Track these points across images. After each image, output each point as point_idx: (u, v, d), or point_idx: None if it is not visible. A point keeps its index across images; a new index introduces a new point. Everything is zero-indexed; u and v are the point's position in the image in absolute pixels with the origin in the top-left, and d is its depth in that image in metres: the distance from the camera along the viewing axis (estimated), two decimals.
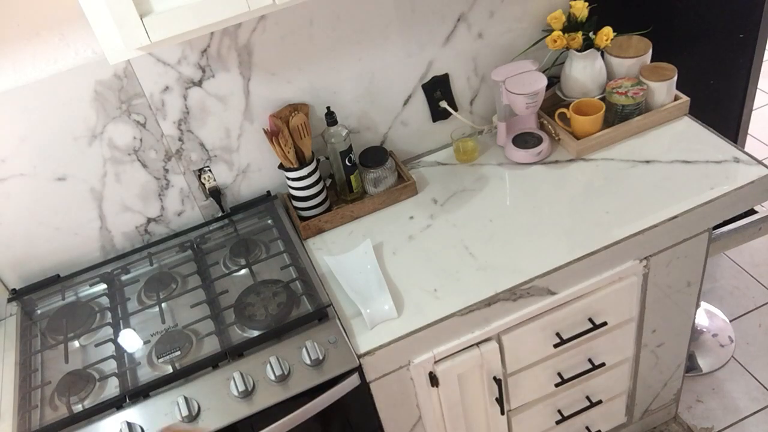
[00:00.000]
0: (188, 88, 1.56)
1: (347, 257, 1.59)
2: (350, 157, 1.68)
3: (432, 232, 1.63)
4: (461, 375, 1.54)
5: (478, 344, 1.51)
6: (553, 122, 1.80)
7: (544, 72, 1.78)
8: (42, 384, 1.46)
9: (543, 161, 1.76)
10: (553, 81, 1.88)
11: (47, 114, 1.47)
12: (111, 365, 1.46)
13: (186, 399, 1.33)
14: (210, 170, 1.70)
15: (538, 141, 1.76)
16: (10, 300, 1.64)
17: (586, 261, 1.49)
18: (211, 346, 1.45)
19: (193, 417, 1.31)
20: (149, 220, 1.71)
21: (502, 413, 1.68)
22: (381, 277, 1.50)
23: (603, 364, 1.73)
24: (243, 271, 1.62)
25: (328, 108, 1.65)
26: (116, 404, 1.36)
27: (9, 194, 1.54)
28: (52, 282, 1.66)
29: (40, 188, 1.56)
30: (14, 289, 1.66)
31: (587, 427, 1.93)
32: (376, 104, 1.76)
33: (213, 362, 1.39)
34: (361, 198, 1.73)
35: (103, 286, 1.67)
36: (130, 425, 1.30)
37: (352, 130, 1.78)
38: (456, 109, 1.84)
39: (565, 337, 1.60)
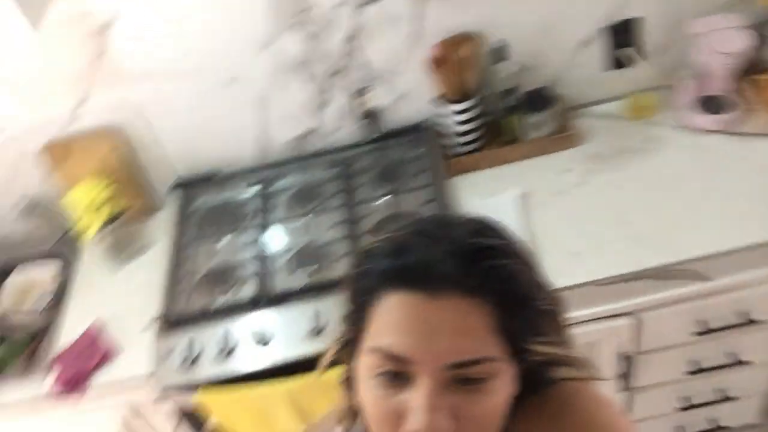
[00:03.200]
0: (363, 4, 1.52)
1: (491, 202, 1.53)
2: (513, 96, 1.59)
3: (586, 189, 1.53)
4: (587, 344, 1.47)
5: (612, 317, 1.42)
6: (752, 89, 1.58)
7: (750, 30, 1.55)
8: (190, 272, 1.58)
9: (729, 131, 1.56)
10: (761, 41, 1.64)
11: (225, 17, 1.51)
12: (253, 267, 1.55)
13: (316, 312, 1.38)
14: (371, 91, 1.68)
15: (729, 107, 1.57)
16: (173, 188, 1.77)
17: (757, 251, 1.34)
18: (346, 267, 1.48)
19: (318, 332, 1.36)
20: (306, 133, 1.74)
21: (625, 390, 1.60)
22: (523, 228, 1.44)
23: (746, 362, 1.58)
24: (386, 198, 1.62)
25: (500, 42, 1.55)
26: (251, 305, 1.44)
27: (186, 89, 1.62)
28: (212, 178, 1.76)
29: (212, 88, 1.63)
30: (179, 179, 1.78)
31: (714, 420, 1.80)
32: (550, 43, 1.63)
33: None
34: (516, 142, 1.65)
35: (255, 190, 1.74)
36: (263, 328, 1.39)
37: (520, 68, 1.67)
38: (640, 59, 1.66)
39: (711, 327, 1.47)
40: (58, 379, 1.43)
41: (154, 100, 1.64)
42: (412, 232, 0.65)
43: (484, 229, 0.65)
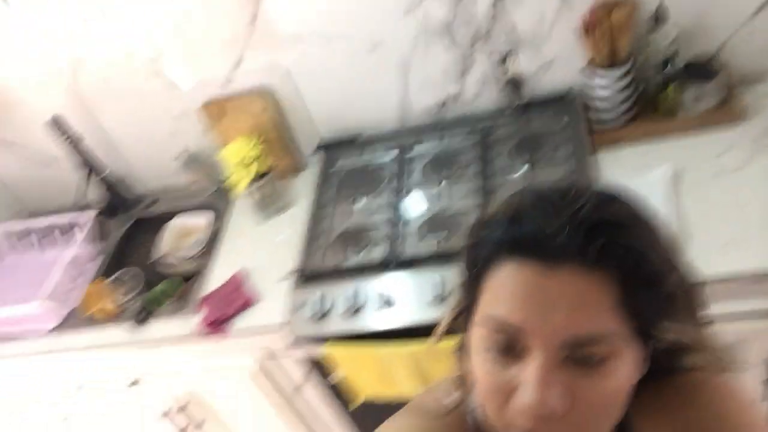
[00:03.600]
0: None
1: (638, 180, 1.43)
2: (672, 64, 1.47)
3: (748, 173, 1.38)
4: (731, 345, 1.34)
5: (763, 316, 1.29)
6: None
7: None
8: (326, 231, 1.64)
9: None
10: None
11: None
12: (386, 230, 1.58)
13: (443, 280, 1.39)
14: (515, 57, 1.63)
15: None
16: (317, 149, 1.84)
17: None
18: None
19: (442, 299, 1.37)
20: (446, 99, 1.73)
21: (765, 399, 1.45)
22: (673, 210, 1.34)
23: None
24: (524, 170, 1.58)
25: (660, 3, 1.43)
26: (381, 267, 1.48)
27: (332, 52, 1.67)
28: (353, 141, 1.81)
29: (357, 52, 1.66)
30: (322, 140, 1.85)
31: None
32: (719, 6, 1.48)
33: None
34: (672, 115, 1.52)
35: (394, 154, 1.76)
36: (390, 290, 1.42)
37: (682, 34, 1.52)
38: None
39: None
40: (204, 318, 1.57)
41: (303, 64, 1.70)
42: (533, 199, 0.61)
43: (613, 200, 0.61)
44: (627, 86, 1.50)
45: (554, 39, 1.58)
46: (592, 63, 1.50)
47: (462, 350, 0.67)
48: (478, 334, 0.61)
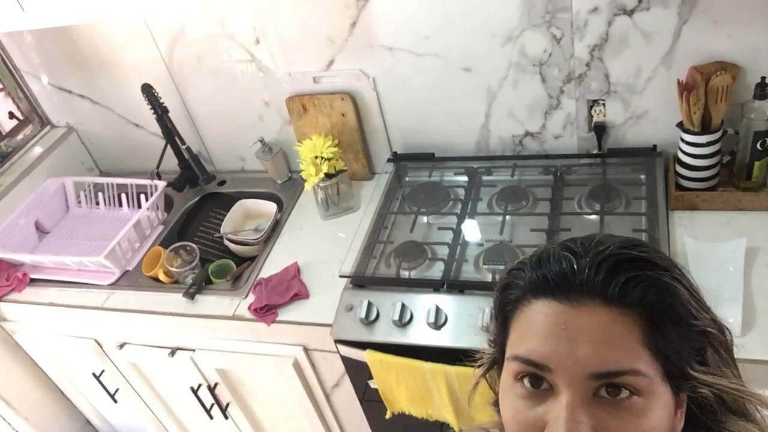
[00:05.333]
0: (617, 14, 1.47)
1: (711, 248, 1.41)
2: (766, 140, 1.44)
3: None
4: None
5: None
6: None
7: None
8: (385, 241, 1.66)
9: None
10: None
11: (476, 5, 1.54)
12: (444, 251, 1.58)
13: (492, 310, 1.38)
14: (604, 104, 1.62)
15: None
16: (389, 160, 1.86)
17: None
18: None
19: (488, 329, 1.36)
20: (527, 134, 1.73)
21: None
22: (741, 285, 1.31)
23: None
24: (593, 217, 1.56)
25: (763, 78, 1.41)
26: (435, 286, 1.48)
27: (421, 69, 1.69)
28: (426, 158, 1.82)
29: (447, 72, 1.68)
30: (395, 152, 1.87)
31: None
32: None
33: None
34: (756, 190, 1.49)
35: (464, 179, 1.77)
36: (439, 309, 1.42)
37: None
38: None
39: None
40: (253, 303, 1.60)
41: (390, 75, 1.73)
42: (560, 244, 0.63)
43: (636, 244, 0.61)
44: (715, 153, 1.48)
45: (647, 94, 1.57)
46: (683, 124, 1.49)
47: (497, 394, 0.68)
48: (506, 374, 0.62)
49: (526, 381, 0.59)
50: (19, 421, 2.08)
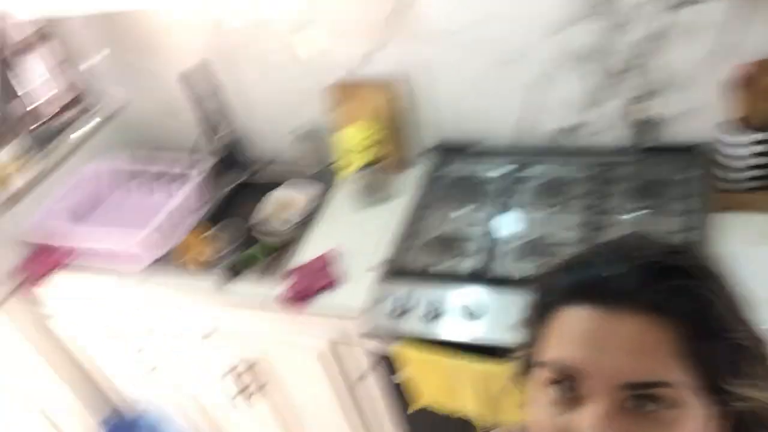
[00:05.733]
0: (676, 6, 1.42)
1: (755, 250, 1.36)
2: None
3: None
4: None
5: None
6: None
7: None
8: (419, 233, 1.64)
9: None
10: None
11: None
12: (477, 245, 1.56)
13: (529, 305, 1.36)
14: (648, 101, 1.58)
15: None
16: (428, 151, 1.84)
17: None
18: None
19: (520, 327, 1.34)
20: (571, 127, 1.70)
21: None
22: None
23: None
24: (632, 215, 1.52)
25: None
26: (467, 280, 1.46)
27: (464, 60, 1.67)
28: (464, 150, 1.80)
29: (493, 62, 1.65)
30: (433, 143, 1.85)
31: None
32: None
33: None
34: None
35: (505, 170, 1.74)
36: (469, 304, 1.40)
37: None
38: None
39: None
40: (288, 289, 1.60)
41: (435, 63, 1.71)
42: (597, 248, 0.62)
43: (680, 251, 0.60)
44: (763, 152, 1.43)
45: (693, 91, 1.52)
46: (739, 121, 1.44)
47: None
48: (537, 378, 0.61)
49: (555, 387, 0.58)
50: (51, 404, 2.11)
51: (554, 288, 0.61)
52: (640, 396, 0.55)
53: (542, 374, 0.60)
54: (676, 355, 0.55)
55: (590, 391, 0.56)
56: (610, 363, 0.55)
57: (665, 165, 1.60)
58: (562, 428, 0.57)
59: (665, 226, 1.47)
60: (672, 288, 0.56)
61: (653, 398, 0.55)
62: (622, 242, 0.61)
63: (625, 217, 1.52)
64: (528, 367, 0.65)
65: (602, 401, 0.55)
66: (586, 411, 0.56)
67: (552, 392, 0.59)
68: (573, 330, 0.58)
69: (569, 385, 0.57)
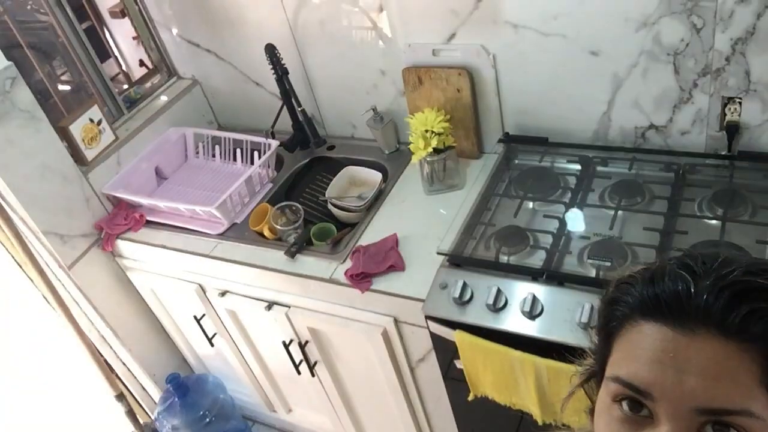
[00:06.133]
0: None
1: None
2: None
3: None
4: None
5: None
6: None
7: None
8: (487, 222, 1.63)
9: None
10: None
11: None
12: (547, 239, 1.54)
13: (592, 308, 1.34)
14: (740, 103, 1.50)
15: None
16: (500, 141, 1.82)
17: None
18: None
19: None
20: (651, 126, 1.64)
21: None
22: None
23: None
24: (714, 222, 1.47)
25: None
26: (534, 274, 1.45)
27: (545, 50, 1.63)
28: (539, 142, 1.77)
29: (572, 55, 1.61)
30: (507, 133, 1.82)
31: None
32: None
33: None
34: None
35: (577, 167, 1.71)
36: (535, 299, 1.39)
37: None
38: None
39: None
40: (350, 269, 1.62)
41: (512, 53, 1.68)
42: (678, 261, 0.57)
43: (765, 270, 0.55)
44: None
45: None
46: None
47: (593, 411, 0.64)
48: (604, 394, 0.59)
49: (624, 404, 0.56)
50: (124, 351, 2.23)
51: (629, 300, 0.58)
52: (717, 423, 0.52)
53: (611, 389, 0.57)
54: (760, 384, 0.51)
55: (662, 413, 0.53)
56: (685, 387, 0.52)
57: (749, 173, 1.53)
58: None
59: (749, 236, 1.41)
60: (761, 311, 0.52)
61: (731, 427, 0.52)
62: (707, 257, 0.57)
63: (705, 223, 1.47)
64: (596, 376, 0.63)
65: (674, 425, 0.52)
66: None
67: (620, 409, 0.56)
68: (647, 347, 0.54)
69: (639, 404, 0.55)
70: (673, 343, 0.53)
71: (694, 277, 0.54)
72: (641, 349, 0.55)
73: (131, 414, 2.29)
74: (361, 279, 1.59)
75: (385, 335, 1.67)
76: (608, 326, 0.60)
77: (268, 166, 2.04)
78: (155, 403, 2.37)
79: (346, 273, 1.62)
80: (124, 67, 2.39)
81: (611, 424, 0.57)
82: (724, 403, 0.51)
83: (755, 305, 0.52)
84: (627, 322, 0.57)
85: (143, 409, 2.43)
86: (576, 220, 1.57)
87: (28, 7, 2.05)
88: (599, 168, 1.69)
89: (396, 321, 1.63)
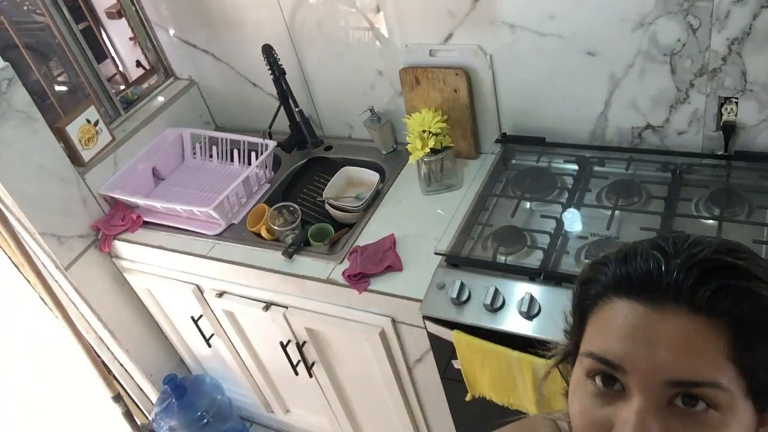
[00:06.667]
0: (765, 6, 1.35)
1: None
2: None
3: None
4: None
5: None
6: None
7: None
8: (485, 223, 1.63)
9: None
10: None
11: None
12: (544, 239, 1.54)
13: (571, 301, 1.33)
14: (736, 103, 1.51)
15: None
16: (497, 141, 1.82)
17: None
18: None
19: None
20: (647, 126, 1.64)
21: None
22: None
23: None
24: (711, 222, 1.47)
25: None
26: (531, 275, 1.45)
27: (541, 50, 1.63)
28: (536, 142, 1.77)
29: (569, 55, 1.61)
30: (504, 133, 1.83)
31: None
32: None
33: None
34: None
35: (574, 167, 1.71)
36: (533, 299, 1.39)
37: None
38: None
39: None
40: (347, 269, 1.62)
41: (508, 54, 1.68)
42: (649, 242, 0.59)
43: (733, 249, 0.57)
44: None
45: None
46: None
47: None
48: (578, 370, 0.61)
49: (597, 379, 0.58)
50: (121, 353, 2.23)
51: (602, 279, 0.60)
52: (686, 395, 0.54)
53: (585, 365, 0.59)
54: (727, 357, 0.53)
55: (633, 386, 0.55)
56: (656, 360, 0.54)
57: (750, 171, 1.54)
58: (603, 421, 0.56)
59: (745, 235, 1.41)
60: (728, 288, 0.54)
61: (699, 399, 0.54)
62: (678, 238, 0.59)
63: (702, 222, 1.48)
64: (571, 355, 0.65)
65: (645, 397, 0.54)
66: (627, 406, 0.55)
67: (594, 384, 0.58)
68: (619, 323, 0.56)
69: (612, 379, 0.57)
70: (644, 319, 0.55)
71: (665, 256, 0.56)
72: (614, 325, 0.57)
73: (128, 415, 2.29)
74: (358, 279, 1.59)
75: (383, 335, 1.67)
76: (582, 305, 0.62)
77: (266, 167, 2.04)
78: (152, 404, 2.36)
79: (343, 273, 1.62)
80: (120, 68, 2.39)
81: (584, 399, 0.59)
82: (692, 376, 0.53)
83: (723, 282, 0.54)
84: (600, 300, 0.59)
85: (140, 410, 2.42)
86: (573, 220, 1.58)
87: (25, 7, 2.05)
88: (596, 168, 1.70)
89: (393, 321, 1.63)
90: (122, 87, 2.30)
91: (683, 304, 0.54)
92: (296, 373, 1.96)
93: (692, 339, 0.53)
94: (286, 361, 1.92)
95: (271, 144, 2.03)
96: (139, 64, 2.34)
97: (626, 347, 0.55)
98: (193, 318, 2.05)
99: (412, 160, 1.76)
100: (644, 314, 0.55)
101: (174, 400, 2.22)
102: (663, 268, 0.55)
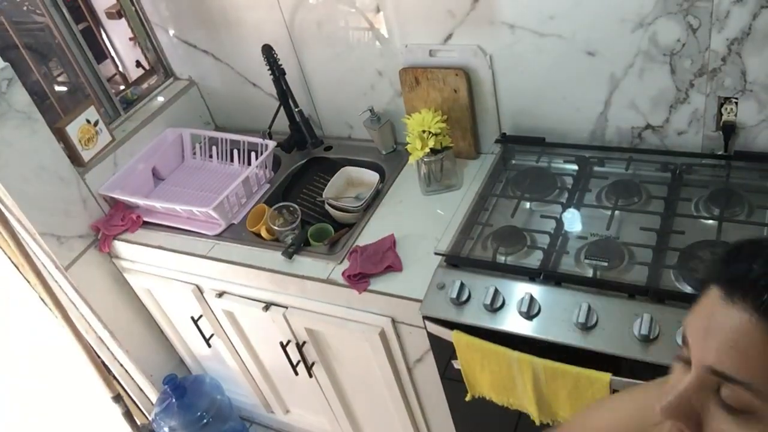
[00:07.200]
0: (765, 6, 1.35)
1: None
2: None
3: None
4: None
5: None
6: None
7: None
8: (485, 223, 1.63)
9: None
10: None
11: None
12: (544, 239, 1.54)
13: (589, 307, 1.34)
14: (736, 103, 1.51)
15: None
16: (497, 141, 1.82)
17: None
18: (638, 275, 1.40)
19: (587, 328, 1.32)
20: (647, 126, 1.64)
21: None
22: None
23: None
24: (711, 222, 1.47)
25: None
26: (531, 275, 1.45)
27: (541, 50, 1.63)
28: (536, 142, 1.77)
29: (569, 55, 1.61)
30: (504, 133, 1.83)
31: None
32: None
33: (631, 291, 1.34)
34: None
35: (574, 168, 1.71)
36: (532, 299, 1.39)
37: None
38: None
39: None
40: (347, 269, 1.62)
41: (508, 54, 1.68)
42: (756, 243, 0.62)
43: None
44: None
45: None
46: None
47: None
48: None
49: (682, 351, 0.63)
50: (121, 353, 2.23)
51: (714, 268, 0.63)
52: (724, 387, 0.57)
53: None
54: None
55: (693, 362, 0.60)
56: (705, 345, 0.58)
57: (750, 171, 1.54)
58: (675, 384, 0.62)
59: (745, 235, 1.40)
60: None
61: (732, 393, 0.56)
62: None
63: (702, 222, 1.47)
64: None
65: (697, 375, 0.59)
66: (685, 377, 0.60)
67: (679, 358, 0.64)
68: (703, 306, 0.61)
69: (688, 355, 0.62)
70: (716, 306, 0.59)
71: (754, 256, 0.59)
72: (699, 306, 0.62)
73: (128, 415, 2.29)
74: (358, 279, 1.59)
75: (383, 336, 1.66)
76: (704, 284, 0.66)
77: (266, 167, 2.04)
78: (152, 404, 2.36)
79: (343, 273, 1.62)
80: (120, 68, 2.39)
81: (676, 360, 0.65)
82: (730, 370, 0.56)
83: None
84: (707, 287, 0.63)
85: (140, 410, 2.42)
86: (573, 221, 1.58)
87: (25, 8, 2.05)
88: (596, 168, 1.70)
89: (393, 321, 1.63)
90: (122, 87, 2.30)
91: (750, 303, 0.56)
92: (296, 374, 1.96)
93: (744, 337, 0.55)
94: (286, 361, 1.92)
95: (271, 144, 2.03)
96: (138, 64, 2.34)
97: (694, 327, 0.61)
98: (192, 318, 2.05)
99: (411, 160, 1.76)
100: (718, 302, 0.59)
101: (174, 401, 2.22)
102: (750, 267, 0.58)
